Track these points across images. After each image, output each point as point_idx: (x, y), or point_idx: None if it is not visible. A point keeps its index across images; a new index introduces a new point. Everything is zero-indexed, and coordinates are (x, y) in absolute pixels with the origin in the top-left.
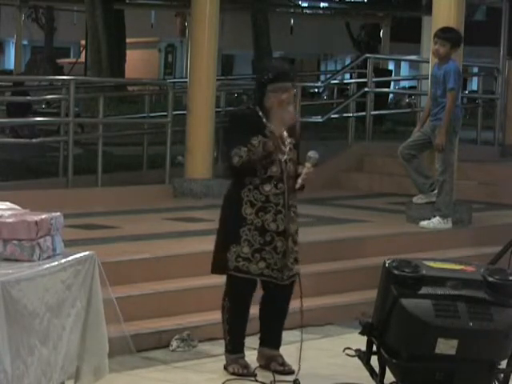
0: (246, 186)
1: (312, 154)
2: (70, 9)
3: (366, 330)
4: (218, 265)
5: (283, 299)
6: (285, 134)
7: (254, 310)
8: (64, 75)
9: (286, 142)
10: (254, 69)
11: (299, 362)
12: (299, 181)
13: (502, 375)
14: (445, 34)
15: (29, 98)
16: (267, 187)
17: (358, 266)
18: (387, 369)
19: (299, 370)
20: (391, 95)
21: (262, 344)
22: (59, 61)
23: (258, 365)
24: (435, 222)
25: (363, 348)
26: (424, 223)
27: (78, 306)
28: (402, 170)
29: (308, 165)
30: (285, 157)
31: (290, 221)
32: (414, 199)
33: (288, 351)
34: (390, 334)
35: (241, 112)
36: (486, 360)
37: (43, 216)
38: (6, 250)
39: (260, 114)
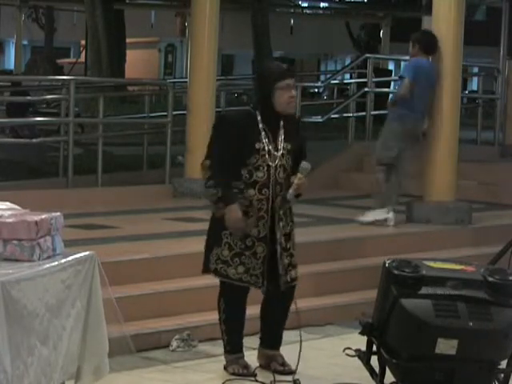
0: None
1: (305, 165)
2: (70, 9)
3: (365, 329)
4: (204, 265)
5: (283, 303)
6: (281, 138)
7: (254, 310)
8: (64, 75)
9: (280, 147)
10: (254, 69)
11: (297, 362)
12: (290, 191)
13: (502, 375)
14: (415, 35)
15: (29, 97)
16: (251, 192)
17: (358, 266)
18: (387, 369)
19: (296, 369)
20: (391, 95)
21: (262, 344)
22: (59, 61)
23: (258, 365)
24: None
25: (363, 348)
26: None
27: (78, 305)
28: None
29: (300, 175)
30: (275, 162)
31: (276, 227)
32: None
33: (288, 351)
34: (390, 334)
35: (228, 115)
36: (486, 360)
37: (43, 216)
38: (5, 250)
39: (258, 118)
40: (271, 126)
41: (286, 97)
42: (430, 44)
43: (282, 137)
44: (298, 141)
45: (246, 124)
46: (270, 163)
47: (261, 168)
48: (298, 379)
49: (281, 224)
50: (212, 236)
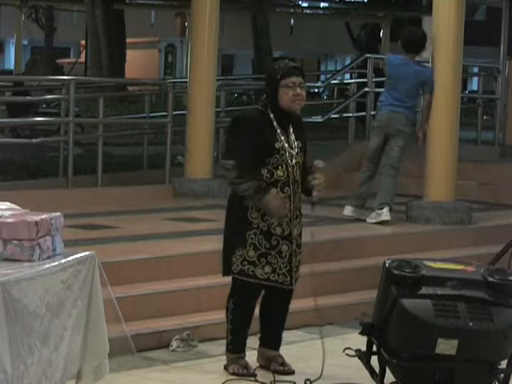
0: None
1: (319, 163)
2: (69, 9)
3: (365, 330)
4: (226, 267)
5: (284, 301)
6: (293, 136)
7: (255, 310)
8: (64, 75)
9: (294, 145)
10: (254, 69)
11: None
12: (314, 193)
13: (502, 375)
14: (401, 33)
15: (29, 97)
16: (273, 191)
17: (358, 266)
18: (387, 369)
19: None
20: None
21: (261, 344)
22: (59, 61)
23: (258, 365)
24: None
25: (363, 348)
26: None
27: (79, 306)
28: (402, 170)
29: (316, 175)
30: (293, 161)
31: (295, 225)
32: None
33: (288, 351)
34: (390, 334)
35: (244, 115)
36: (486, 360)
37: (43, 216)
38: (5, 250)
39: (271, 116)
40: (283, 124)
41: (291, 94)
42: (406, 42)
43: (293, 135)
44: (304, 139)
45: (263, 123)
46: (289, 161)
47: (280, 167)
48: (308, 379)
49: (298, 222)
50: (234, 238)
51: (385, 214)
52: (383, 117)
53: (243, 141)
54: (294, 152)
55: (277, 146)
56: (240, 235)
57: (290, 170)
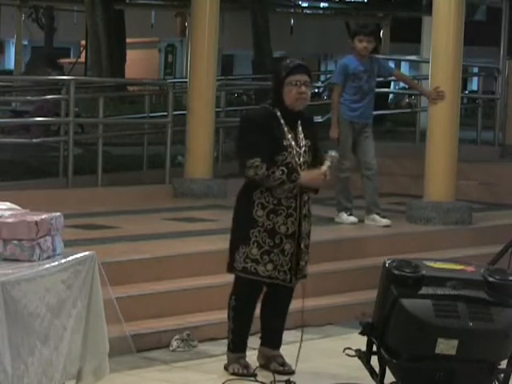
0: (258, 188)
1: (334, 152)
2: (70, 9)
3: (366, 330)
4: (230, 264)
5: (285, 299)
6: (301, 135)
7: (256, 310)
8: (64, 75)
9: (302, 144)
10: (254, 69)
11: (296, 361)
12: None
13: (502, 375)
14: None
15: (29, 98)
16: (279, 190)
17: (357, 266)
18: (387, 369)
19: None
20: (391, 95)
21: (262, 344)
22: (59, 61)
23: (258, 365)
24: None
25: (363, 348)
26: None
27: (78, 306)
28: (402, 170)
29: (328, 163)
30: (301, 159)
31: (302, 223)
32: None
33: (288, 351)
34: (390, 334)
35: (254, 113)
36: (486, 360)
37: (43, 216)
38: (6, 250)
39: (278, 114)
40: (290, 122)
41: (294, 92)
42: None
43: (301, 134)
44: (313, 139)
45: (271, 122)
46: (296, 160)
47: (289, 165)
48: (293, 381)
49: (306, 221)
50: (238, 235)
51: (344, 217)
52: None
53: (258, 138)
54: (301, 150)
55: (284, 143)
56: (244, 233)
57: (297, 168)
